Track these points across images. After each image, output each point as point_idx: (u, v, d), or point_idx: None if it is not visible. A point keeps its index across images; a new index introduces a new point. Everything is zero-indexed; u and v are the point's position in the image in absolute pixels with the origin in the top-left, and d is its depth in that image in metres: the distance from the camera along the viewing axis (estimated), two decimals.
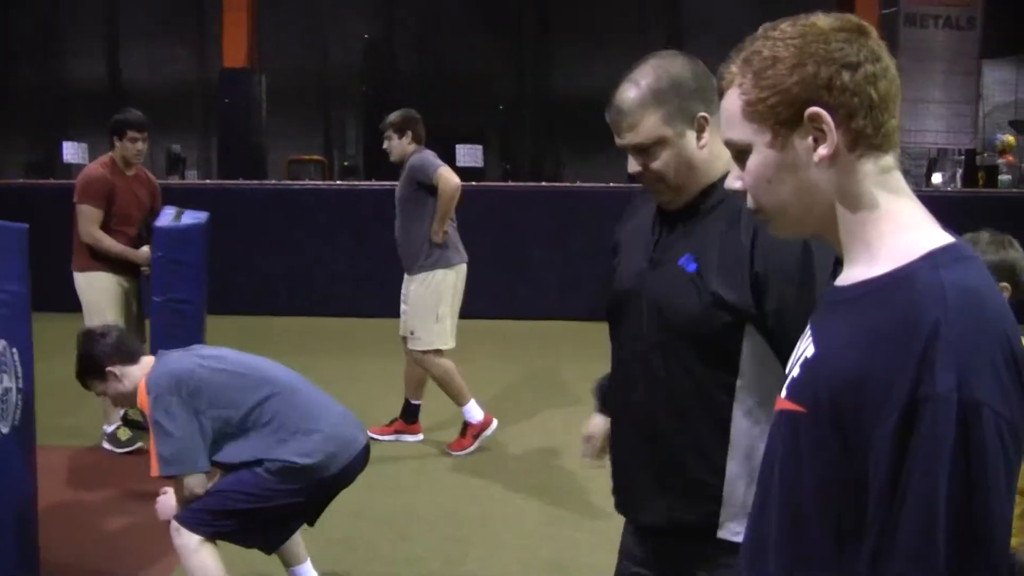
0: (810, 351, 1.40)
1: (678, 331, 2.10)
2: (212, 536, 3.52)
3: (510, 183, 12.93)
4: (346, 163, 15.41)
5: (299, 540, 3.93)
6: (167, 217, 5.78)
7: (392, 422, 6.26)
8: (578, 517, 5.01)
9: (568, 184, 11.96)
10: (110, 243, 5.89)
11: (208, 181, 12.93)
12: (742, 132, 1.44)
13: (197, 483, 3.52)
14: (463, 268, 6.14)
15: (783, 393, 1.44)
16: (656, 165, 2.13)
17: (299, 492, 3.57)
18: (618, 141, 2.18)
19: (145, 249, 5.90)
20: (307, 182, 12.59)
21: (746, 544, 1.52)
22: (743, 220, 2.03)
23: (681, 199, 2.17)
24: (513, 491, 5.48)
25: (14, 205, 11.02)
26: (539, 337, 9.82)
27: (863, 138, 1.38)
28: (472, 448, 6.02)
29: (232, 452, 3.58)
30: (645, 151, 2.13)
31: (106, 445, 5.97)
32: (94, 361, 3.73)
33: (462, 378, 6.10)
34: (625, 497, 2.29)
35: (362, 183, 12.17)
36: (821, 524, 1.35)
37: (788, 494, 1.40)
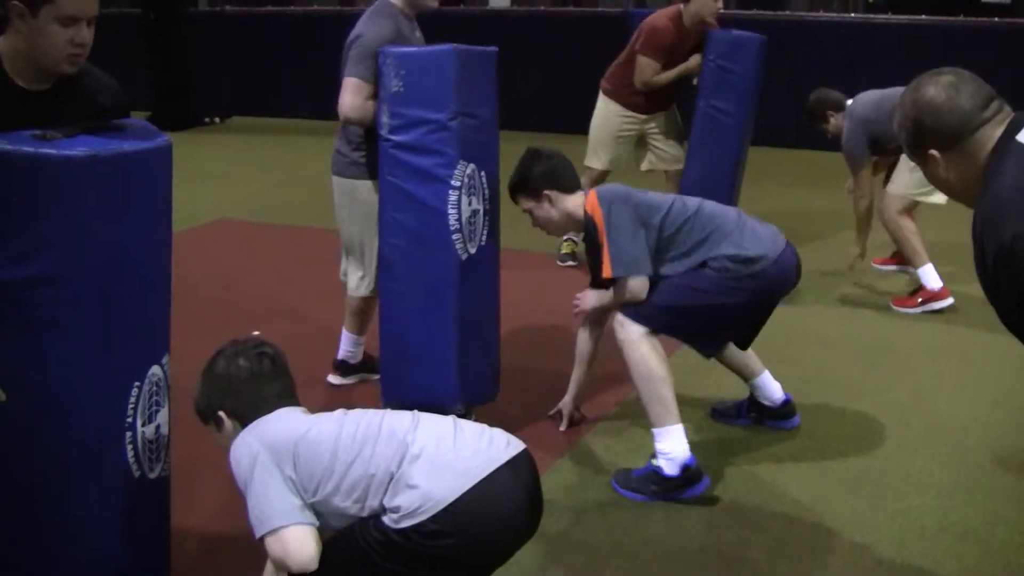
0: None
1: None
2: (656, 330, 3.66)
3: None
4: (871, 0, 14.59)
5: (752, 355, 4.10)
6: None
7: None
8: None
9: None
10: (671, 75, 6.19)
11: (723, 10, 12.72)
12: None
13: (640, 287, 3.66)
14: None
15: None
16: None
17: (745, 291, 3.67)
18: None
19: (696, 57, 6.14)
20: (822, 14, 12.18)
21: None
22: None
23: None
24: (993, 333, 5.09)
25: (541, 31, 11.92)
26: None
27: None
28: (916, 311, 5.70)
29: (671, 269, 3.72)
30: None
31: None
32: (528, 181, 3.87)
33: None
34: None
35: (878, 16, 11.52)
36: None
37: None
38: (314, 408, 2.77)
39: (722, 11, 6.15)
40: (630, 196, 3.73)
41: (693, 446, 3.65)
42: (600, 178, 6.36)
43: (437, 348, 3.95)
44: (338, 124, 4.26)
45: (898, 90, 5.78)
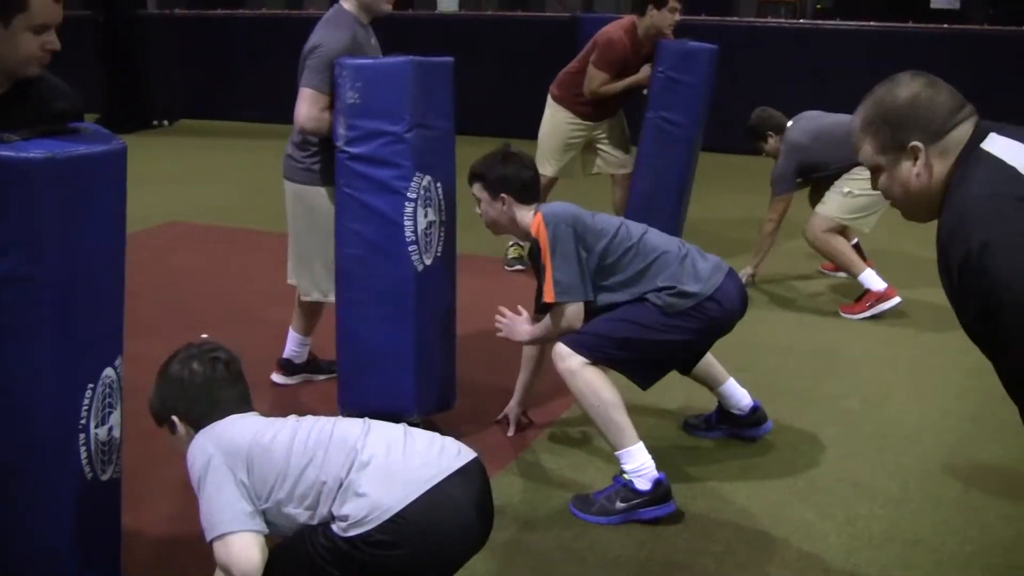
0: None
1: None
2: (595, 360, 3.63)
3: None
4: (819, 5, 14.74)
5: (713, 360, 4.09)
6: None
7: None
8: None
9: None
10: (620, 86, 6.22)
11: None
12: None
13: (576, 314, 3.65)
14: None
15: None
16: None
17: (686, 329, 3.65)
18: None
19: (647, 67, 6.16)
20: (771, 19, 12.28)
21: None
22: None
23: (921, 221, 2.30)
24: (944, 341, 5.23)
25: (489, 35, 11.91)
26: None
27: None
28: (865, 315, 5.73)
29: (609, 298, 3.70)
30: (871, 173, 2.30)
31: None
32: (494, 178, 3.83)
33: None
34: None
35: (827, 22, 11.62)
36: None
37: None
38: (260, 407, 2.75)
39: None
40: (577, 219, 3.69)
41: None
42: (549, 185, 6.39)
43: (395, 357, 3.95)
44: (290, 128, 4.23)
45: (839, 118, 5.89)
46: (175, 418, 2.66)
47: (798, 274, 6.51)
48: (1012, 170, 2.08)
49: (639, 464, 3.57)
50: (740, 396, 4.14)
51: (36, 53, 2.61)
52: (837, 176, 5.77)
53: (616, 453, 3.62)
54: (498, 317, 3.91)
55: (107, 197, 2.54)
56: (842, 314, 5.77)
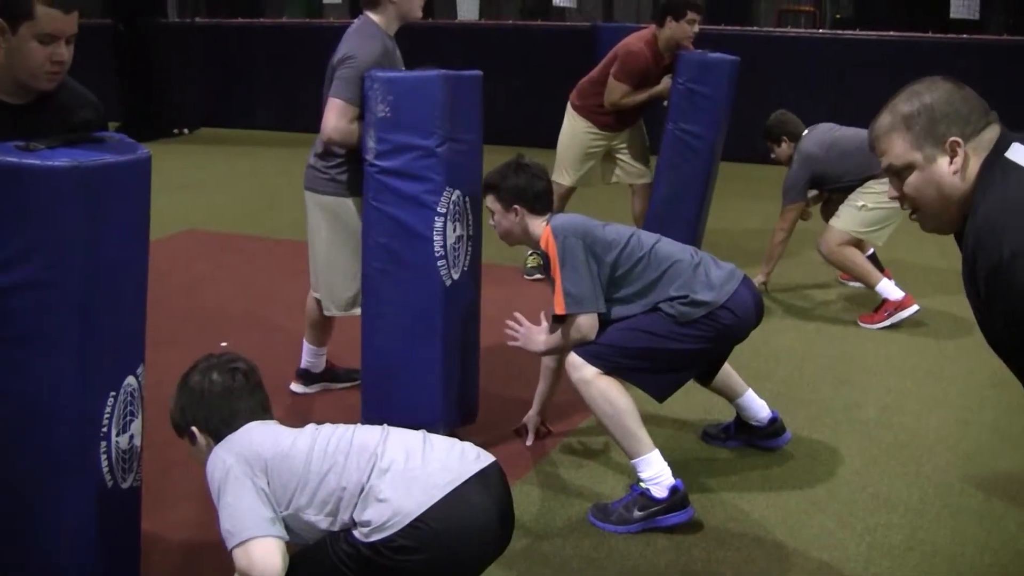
0: None
1: None
2: (608, 372, 3.62)
3: None
4: (838, 15, 14.73)
5: (732, 372, 4.08)
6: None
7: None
8: None
9: None
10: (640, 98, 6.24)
11: None
12: None
13: (590, 325, 3.64)
14: None
15: None
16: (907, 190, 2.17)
17: (700, 338, 3.64)
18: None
19: (667, 79, 6.16)
20: (790, 29, 12.28)
21: None
22: None
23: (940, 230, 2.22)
24: (962, 350, 5.22)
25: (509, 44, 11.93)
26: None
27: None
28: (884, 324, 5.71)
29: (622, 311, 3.70)
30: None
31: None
32: (506, 189, 3.82)
33: None
34: None
35: (846, 32, 11.61)
36: None
37: None
38: (278, 415, 2.76)
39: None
40: (587, 231, 3.69)
41: None
42: (567, 194, 6.41)
43: (422, 371, 3.95)
44: (309, 136, 4.23)
45: (853, 131, 5.88)
46: (195, 429, 2.68)
47: (815, 283, 6.50)
48: None
49: (656, 472, 3.57)
50: (758, 408, 4.13)
51: (44, 66, 2.68)
52: (849, 190, 5.77)
53: (632, 462, 3.62)
54: (514, 326, 3.91)
55: (131, 206, 2.55)
56: (861, 324, 5.76)
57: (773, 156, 6.14)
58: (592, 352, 3.64)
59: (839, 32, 11.95)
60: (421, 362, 3.94)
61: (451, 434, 3.72)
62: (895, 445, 4.26)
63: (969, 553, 3.45)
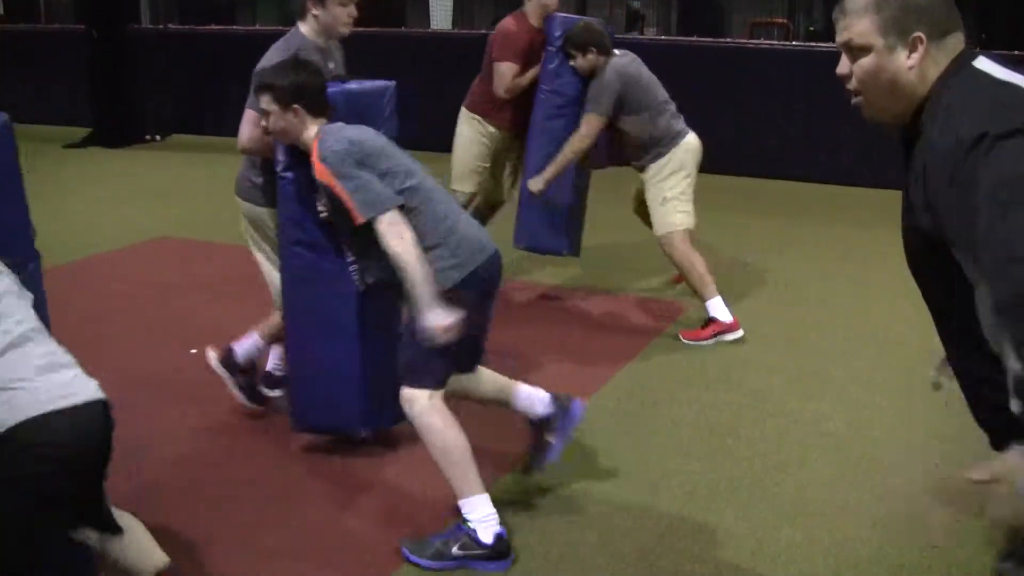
0: None
1: None
2: (438, 382, 3.48)
3: None
4: (811, 27, 14.82)
5: (491, 374, 3.84)
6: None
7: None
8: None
9: None
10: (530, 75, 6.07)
11: (663, 38, 12.99)
12: None
13: (396, 224, 3.38)
14: None
15: None
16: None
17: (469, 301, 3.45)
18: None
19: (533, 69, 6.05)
20: (763, 41, 12.34)
21: None
22: None
23: (880, 119, 2.15)
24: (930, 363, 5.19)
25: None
26: None
27: None
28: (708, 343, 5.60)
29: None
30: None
31: None
32: (284, 88, 3.66)
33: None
34: None
35: (819, 44, 11.67)
36: None
37: None
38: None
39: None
40: (358, 142, 3.50)
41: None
42: (470, 201, 6.22)
43: (341, 375, 4.02)
44: None
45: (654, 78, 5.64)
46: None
47: (784, 295, 6.51)
48: (1012, 85, 1.98)
49: (483, 515, 3.45)
50: (537, 398, 3.85)
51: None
52: (638, 161, 5.75)
53: (460, 501, 3.48)
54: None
55: None
56: (683, 339, 5.64)
57: (572, 64, 5.86)
58: (412, 375, 3.47)
59: (812, 44, 12.01)
60: (340, 364, 4.02)
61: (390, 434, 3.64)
62: (863, 458, 4.27)
63: (936, 568, 3.46)
